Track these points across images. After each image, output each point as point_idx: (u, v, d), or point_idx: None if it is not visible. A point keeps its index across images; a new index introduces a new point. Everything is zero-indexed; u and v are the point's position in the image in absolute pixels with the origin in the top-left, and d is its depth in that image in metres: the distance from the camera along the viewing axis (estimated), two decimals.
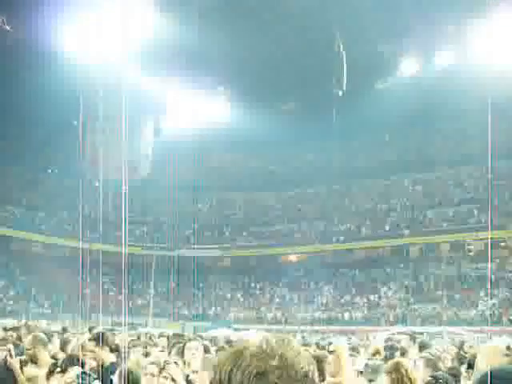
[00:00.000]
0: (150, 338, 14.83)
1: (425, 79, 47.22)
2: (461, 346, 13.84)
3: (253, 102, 52.42)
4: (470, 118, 47.05)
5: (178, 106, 56.46)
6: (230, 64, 47.47)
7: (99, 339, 6.11)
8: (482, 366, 4.34)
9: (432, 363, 7.06)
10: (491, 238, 50.24)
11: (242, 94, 53.00)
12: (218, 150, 62.87)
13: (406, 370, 5.42)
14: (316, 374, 1.60)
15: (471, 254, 51.24)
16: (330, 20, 40.85)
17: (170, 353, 8.67)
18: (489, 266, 49.00)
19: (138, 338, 14.89)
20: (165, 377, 5.57)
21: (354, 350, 11.31)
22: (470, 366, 6.38)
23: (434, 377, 5.65)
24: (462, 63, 44.07)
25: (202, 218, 61.89)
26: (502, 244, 49.71)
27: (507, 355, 5.17)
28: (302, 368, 1.50)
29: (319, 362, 4.35)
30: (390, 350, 9.26)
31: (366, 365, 6.84)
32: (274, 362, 1.47)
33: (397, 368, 5.44)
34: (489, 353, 5.70)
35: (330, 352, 4.07)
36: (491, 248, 51.21)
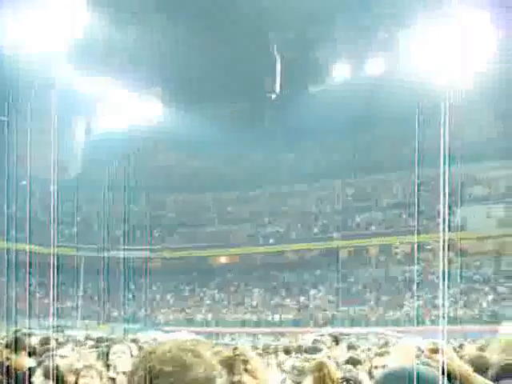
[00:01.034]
0: (76, 340, 14.65)
1: (358, 85, 47.98)
2: (384, 347, 14.11)
3: (189, 104, 52.27)
4: (401, 124, 47.97)
5: (111, 106, 55.81)
6: (166, 65, 47.21)
7: (14, 344, 5.94)
8: (392, 365, 4.50)
9: (351, 363, 7.23)
10: (417, 242, 51.37)
11: (178, 95, 52.79)
12: (153, 150, 62.43)
13: (329, 370, 5.56)
14: (223, 377, 1.65)
15: (398, 256, 52.40)
16: (268, 25, 41.15)
17: (96, 355, 8.58)
18: (415, 268, 50.14)
19: (52, 339, 14.63)
20: (84, 376, 5.55)
21: (286, 351, 11.47)
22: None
23: (343, 378, 5.80)
24: (394, 70, 44.97)
25: (133, 218, 61.27)
26: (428, 247, 50.88)
27: (417, 356, 5.36)
28: (202, 372, 1.55)
29: (230, 364, 4.41)
30: (313, 351, 9.44)
31: (293, 365, 6.96)
32: (169, 367, 1.53)
33: (320, 368, 5.57)
34: (399, 353, 5.90)
35: (236, 355, 4.13)
36: (418, 251, 52.35)
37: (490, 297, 46.42)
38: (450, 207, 42.04)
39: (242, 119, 52.01)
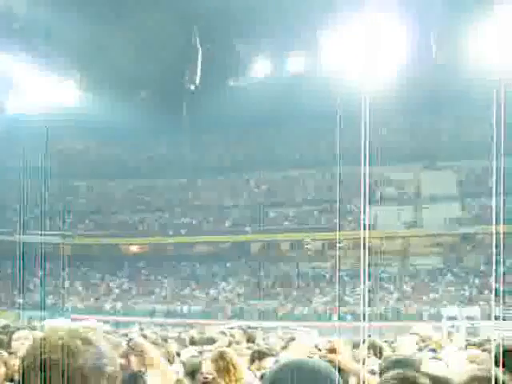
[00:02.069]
0: None
1: (279, 82, 48.31)
2: (290, 341, 14.35)
3: (106, 89, 51.36)
4: (320, 122, 48.66)
5: (25, 86, 54.28)
6: (82, 50, 46.29)
7: None
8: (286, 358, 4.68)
9: (258, 356, 7.40)
10: (328, 239, 52.47)
11: (96, 80, 51.81)
12: (68, 135, 61.05)
13: (231, 359, 5.72)
14: (115, 366, 1.71)
15: (309, 253, 53.19)
16: (191, 16, 40.91)
17: None
18: (335, 265, 51.02)
19: None
20: None
21: (191, 341, 11.56)
22: (253, 361, 6.76)
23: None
24: (315, 70, 45.40)
25: (44, 203, 59.87)
26: (339, 245, 51.90)
27: (312, 353, 5.57)
28: (91, 359, 1.60)
29: (126, 355, 4.50)
30: (214, 341, 9.63)
31: (193, 355, 7.07)
32: (58, 354, 1.57)
33: (221, 356, 5.73)
34: (296, 350, 6.11)
35: (129, 346, 4.20)
36: (329, 248, 53.39)
37: (395, 295, 47.77)
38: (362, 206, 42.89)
39: (157, 109, 51.44)
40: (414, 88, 46.65)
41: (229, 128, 56.89)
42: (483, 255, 49.32)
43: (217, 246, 57.18)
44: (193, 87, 38.94)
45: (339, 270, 50.37)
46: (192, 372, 6.10)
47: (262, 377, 5.89)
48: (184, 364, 6.60)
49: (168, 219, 59.33)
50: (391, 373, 2.67)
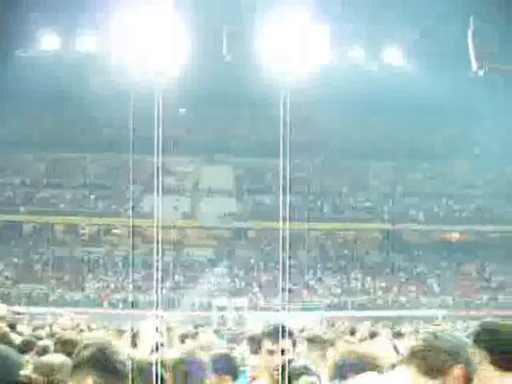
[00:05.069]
0: None
1: (68, 59, 47.23)
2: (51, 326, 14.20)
3: None
4: (108, 106, 48.02)
5: None
6: None
7: None
8: None
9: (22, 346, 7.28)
10: (104, 224, 52.22)
11: None
12: None
13: None
14: None
15: (84, 237, 52.50)
16: None
17: None
18: (110, 251, 50.59)
19: None
20: None
21: None
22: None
23: None
24: (107, 50, 44.70)
25: None
26: (115, 231, 51.86)
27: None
28: None
29: None
30: None
31: None
32: None
33: None
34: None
35: None
36: (105, 234, 52.97)
37: (168, 284, 48.37)
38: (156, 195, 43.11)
39: None
40: (206, 83, 47.84)
41: (10, 100, 54.02)
42: (254, 249, 51.72)
43: None
44: None
45: (108, 255, 50.24)
46: None
47: None
48: None
49: None
50: None
